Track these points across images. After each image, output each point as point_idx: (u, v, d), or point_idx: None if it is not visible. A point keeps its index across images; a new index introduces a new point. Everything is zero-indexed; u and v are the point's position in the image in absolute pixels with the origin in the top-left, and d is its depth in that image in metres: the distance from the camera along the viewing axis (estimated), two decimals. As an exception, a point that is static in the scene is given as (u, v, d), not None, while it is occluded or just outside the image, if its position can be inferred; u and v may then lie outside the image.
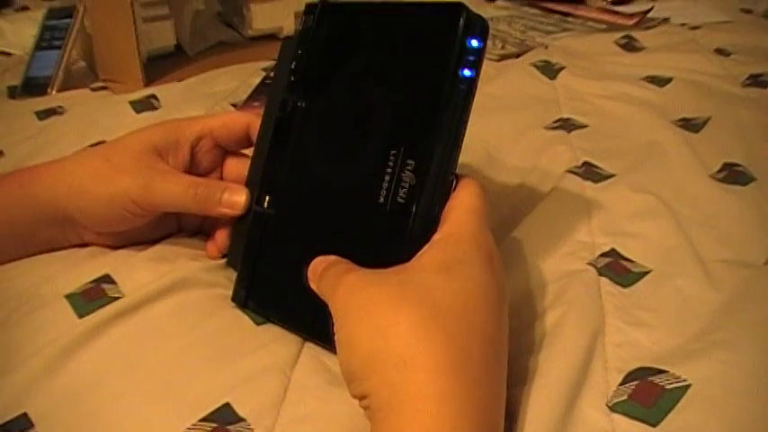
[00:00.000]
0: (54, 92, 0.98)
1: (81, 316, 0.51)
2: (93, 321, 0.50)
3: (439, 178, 0.44)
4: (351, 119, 0.49)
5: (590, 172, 0.70)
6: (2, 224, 0.56)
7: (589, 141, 0.77)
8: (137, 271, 0.56)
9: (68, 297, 0.53)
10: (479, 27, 0.44)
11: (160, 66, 1.05)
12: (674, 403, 0.43)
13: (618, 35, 1.13)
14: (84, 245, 0.59)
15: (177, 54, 1.11)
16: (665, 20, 1.21)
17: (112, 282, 0.55)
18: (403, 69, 0.46)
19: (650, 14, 1.22)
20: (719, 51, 1.04)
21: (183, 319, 0.51)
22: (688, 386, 0.44)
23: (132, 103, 0.91)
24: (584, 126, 0.81)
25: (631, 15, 1.22)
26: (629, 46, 1.10)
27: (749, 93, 0.89)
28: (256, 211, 0.53)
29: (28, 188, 0.56)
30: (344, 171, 0.48)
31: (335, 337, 0.41)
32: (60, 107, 0.92)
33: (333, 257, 0.45)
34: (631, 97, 0.88)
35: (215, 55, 1.12)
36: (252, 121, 0.58)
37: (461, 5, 0.44)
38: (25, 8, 1.44)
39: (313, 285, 0.45)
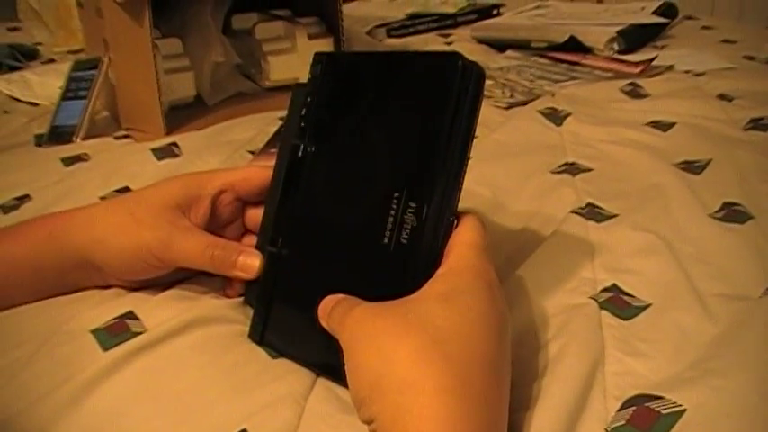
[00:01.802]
0: (79, 140, 1.00)
1: (105, 349, 0.53)
2: (117, 354, 0.52)
3: (439, 220, 0.46)
4: (357, 163, 0.51)
5: (593, 212, 0.72)
6: (31, 269, 0.58)
7: (593, 184, 0.79)
8: (159, 308, 0.58)
9: (93, 332, 0.55)
10: (476, 74, 0.46)
11: (181, 115, 1.07)
12: (669, 427, 0.44)
13: (623, 83, 1.16)
14: (109, 286, 0.61)
15: (197, 104, 1.13)
16: (670, 67, 1.23)
17: (136, 318, 0.57)
18: (404, 116, 0.49)
19: (655, 62, 1.25)
20: (722, 97, 1.06)
21: (202, 352, 0.53)
22: (683, 411, 0.45)
23: (154, 150, 0.94)
24: (589, 170, 0.83)
25: (637, 64, 1.25)
26: (634, 93, 1.12)
27: (750, 136, 0.92)
28: (270, 252, 0.56)
29: (56, 237, 0.58)
30: (351, 213, 0.51)
31: (345, 367, 0.43)
32: (85, 154, 0.95)
33: (341, 296, 0.48)
34: (635, 142, 0.90)
35: (233, 105, 1.14)
36: (271, 174, 0.59)
37: (457, 54, 0.46)
38: (52, 61, 1.49)
39: (323, 322, 0.48)
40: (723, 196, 0.74)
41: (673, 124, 0.95)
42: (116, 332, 0.55)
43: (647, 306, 0.57)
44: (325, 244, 0.52)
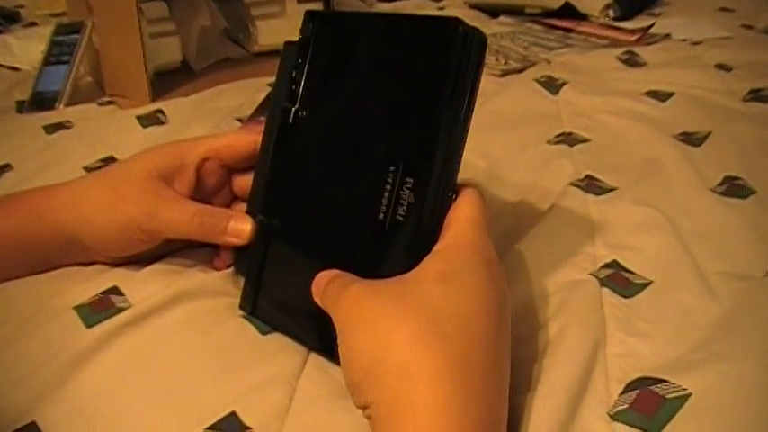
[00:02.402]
0: (62, 107, 0.98)
1: (89, 326, 0.52)
2: (100, 332, 0.51)
3: (437, 197, 0.44)
4: (351, 131, 0.49)
5: (592, 185, 0.70)
6: (14, 247, 0.57)
7: (591, 156, 0.78)
8: (144, 282, 0.57)
9: (76, 308, 0.54)
10: (477, 41, 0.44)
11: (166, 81, 1.05)
12: (674, 412, 0.43)
13: (619, 51, 1.14)
14: (94, 262, 0.60)
15: (183, 70, 1.11)
16: (667, 36, 1.22)
17: (120, 293, 0.55)
18: (401, 83, 0.46)
19: (652, 30, 1.23)
20: (720, 67, 1.05)
21: (190, 329, 0.52)
22: (688, 395, 0.44)
23: (139, 118, 0.92)
24: (587, 140, 0.81)
25: (633, 32, 1.23)
26: (631, 62, 1.10)
27: (750, 107, 0.90)
28: (261, 220, 0.54)
29: (39, 215, 0.56)
30: (345, 185, 0.48)
31: (339, 349, 0.41)
32: (68, 122, 0.93)
33: (336, 272, 0.46)
34: (633, 112, 0.89)
35: (221, 71, 1.13)
36: (257, 140, 0.58)
37: (458, 20, 0.43)
38: (33, 24, 1.45)
39: (317, 299, 0.46)
40: (724, 170, 0.72)
41: (671, 94, 0.94)
42: (100, 309, 0.54)
43: (649, 283, 0.56)
44: (317, 215, 0.50)
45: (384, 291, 0.42)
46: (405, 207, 0.44)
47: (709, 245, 0.61)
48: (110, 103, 1.01)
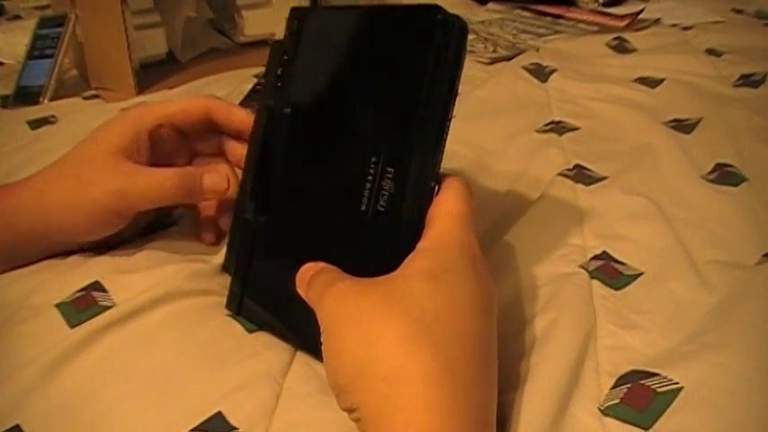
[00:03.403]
0: (46, 101, 0.97)
1: (72, 326, 0.51)
2: (84, 331, 0.50)
3: (418, 186, 0.43)
4: (335, 125, 0.48)
5: (581, 175, 0.70)
6: None
7: (581, 144, 0.77)
8: (127, 276, 0.56)
9: (59, 306, 0.53)
10: (457, 28, 0.43)
11: (152, 73, 1.04)
12: (665, 406, 0.43)
13: (609, 37, 1.13)
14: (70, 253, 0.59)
15: (169, 61, 1.10)
16: (657, 21, 1.21)
17: (103, 290, 0.55)
18: (382, 73, 0.46)
19: (641, 16, 1.22)
20: (711, 52, 1.04)
21: (175, 327, 0.51)
22: (680, 389, 0.44)
23: (125, 111, 0.90)
24: (576, 129, 0.81)
25: (622, 17, 1.22)
26: (621, 47, 1.09)
27: (741, 93, 0.89)
28: (246, 218, 0.53)
29: (6, 214, 0.56)
30: (329, 178, 0.48)
31: (322, 347, 0.41)
32: (53, 116, 0.92)
33: (322, 264, 0.45)
34: (623, 99, 0.88)
35: (207, 62, 1.12)
36: (209, 103, 0.59)
37: (437, 7, 0.43)
38: (17, 17, 1.44)
39: (301, 292, 0.45)
40: (715, 157, 0.72)
41: (661, 80, 0.93)
42: (83, 307, 0.53)
43: (640, 275, 0.55)
44: (303, 211, 0.50)
45: (371, 289, 0.41)
46: (386, 197, 0.44)
47: (701, 233, 0.60)
48: (94, 96, 1.00)
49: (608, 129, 0.81)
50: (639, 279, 0.55)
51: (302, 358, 0.49)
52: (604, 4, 1.29)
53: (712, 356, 0.46)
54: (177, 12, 1.09)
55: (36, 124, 0.90)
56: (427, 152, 0.43)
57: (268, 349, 0.50)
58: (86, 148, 0.57)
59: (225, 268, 0.57)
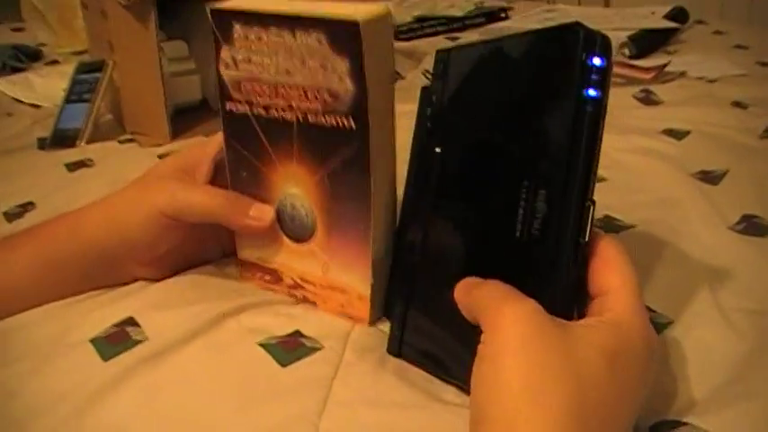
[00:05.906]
0: (83, 143, 1.00)
1: (105, 359, 0.52)
2: (118, 366, 0.51)
3: (572, 206, 0.43)
4: (485, 156, 0.48)
5: (610, 224, 0.70)
6: (54, 269, 0.59)
7: (609, 195, 0.77)
8: (160, 312, 0.57)
9: (93, 341, 0.54)
10: (600, 43, 0.42)
11: (186, 119, 1.06)
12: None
13: (636, 89, 1.14)
14: (108, 286, 0.61)
15: (203, 108, 1.12)
16: (683, 73, 1.22)
17: (136, 324, 0.56)
18: (528, 98, 0.46)
19: (667, 68, 1.23)
20: (736, 104, 1.05)
21: (208, 362, 0.53)
22: (710, 437, 0.44)
23: (161, 157, 0.93)
24: (604, 180, 0.81)
25: (649, 69, 1.23)
26: (647, 99, 1.10)
27: (766, 144, 0.90)
28: (406, 258, 0.53)
29: (74, 231, 0.59)
30: (482, 210, 0.48)
31: (478, 355, 0.40)
32: (90, 159, 0.94)
33: (493, 281, 0.45)
34: (650, 150, 0.89)
35: (240, 109, 1.13)
36: None
37: (577, 23, 0.42)
38: (55, 62, 1.48)
39: (460, 292, 0.46)
40: (742, 208, 0.72)
41: (687, 132, 0.93)
42: (116, 341, 0.54)
43: (670, 323, 0.55)
44: (457, 247, 0.50)
45: (553, 337, 0.40)
46: (539, 220, 0.44)
47: (729, 283, 0.60)
48: (130, 140, 1.02)
49: (635, 180, 0.81)
50: (669, 327, 0.55)
51: (338, 398, 0.49)
52: (631, 57, 1.31)
53: (743, 405, 0.46)
54: (212, 60, 1.11)
55: (73, 167, 0.92)
56: (579, 170, 0.43)
57: (302, 386, 0.50)
58: (157, 167, 0.62)
59: (386, 314, 0.58)
